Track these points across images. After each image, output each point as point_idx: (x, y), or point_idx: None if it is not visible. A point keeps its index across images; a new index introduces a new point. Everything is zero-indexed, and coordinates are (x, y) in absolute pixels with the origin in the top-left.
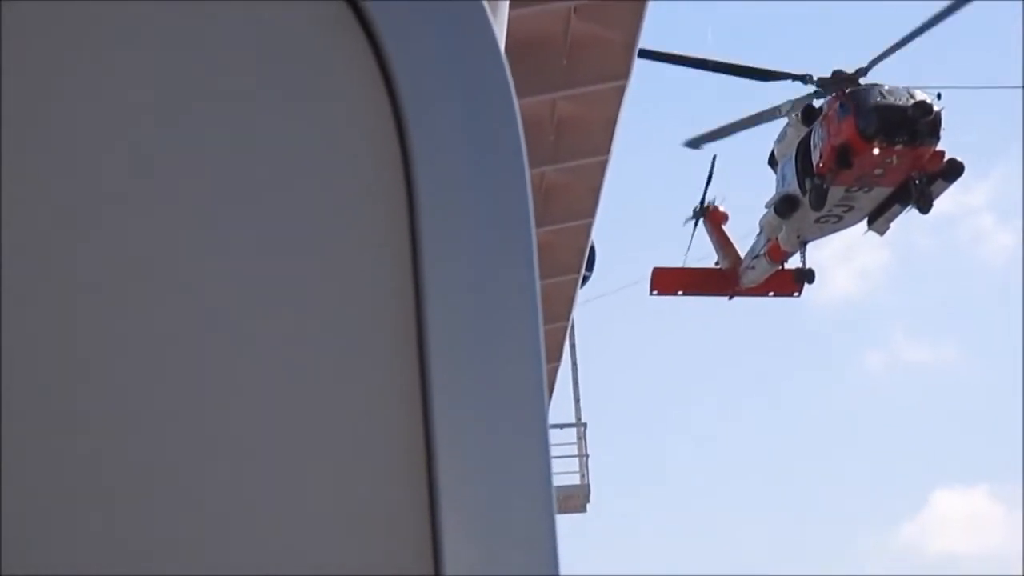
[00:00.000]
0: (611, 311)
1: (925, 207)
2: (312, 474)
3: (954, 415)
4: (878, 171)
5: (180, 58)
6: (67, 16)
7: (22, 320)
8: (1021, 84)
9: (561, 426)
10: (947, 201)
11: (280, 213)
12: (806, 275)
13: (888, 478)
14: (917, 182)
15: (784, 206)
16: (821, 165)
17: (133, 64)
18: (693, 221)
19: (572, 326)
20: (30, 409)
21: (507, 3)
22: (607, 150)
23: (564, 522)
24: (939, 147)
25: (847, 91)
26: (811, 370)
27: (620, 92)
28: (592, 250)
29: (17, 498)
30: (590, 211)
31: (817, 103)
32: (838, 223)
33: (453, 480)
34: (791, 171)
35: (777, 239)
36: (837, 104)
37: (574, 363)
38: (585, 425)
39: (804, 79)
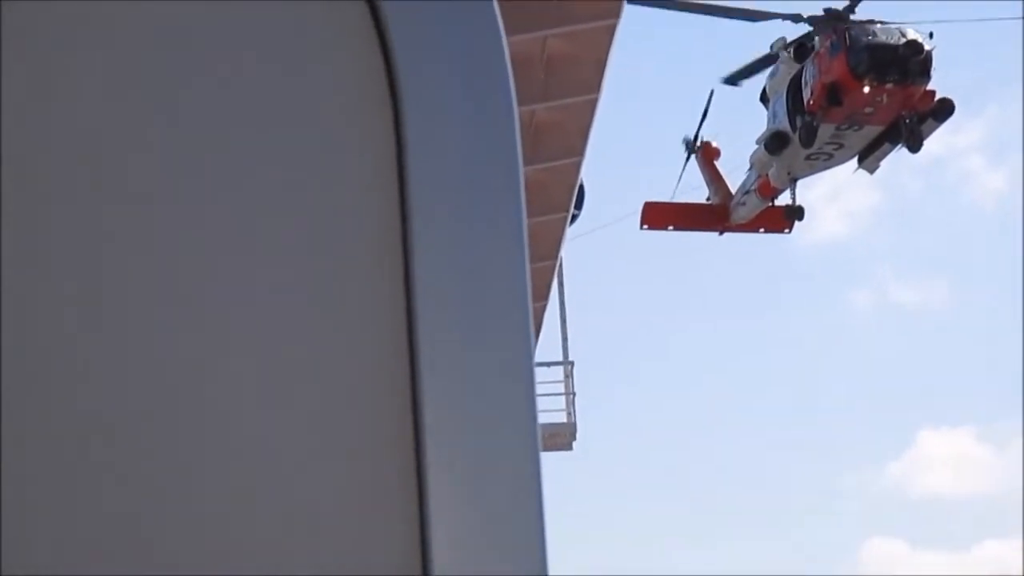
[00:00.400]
0: (599, 249)
1: (915, 146)
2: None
3: (941, 356)
4: (868, 109)
5: (185, 56)
6: (67, 15)
7: (21, 318)
8: (1021, 16)
9: (548, 364)
10: (937, 142)
11: (269, 182)
12: (796, 212)
13: (874, 418)
14: (907, 121)
15: (774, 143)
16: (812, 103)
17: (135, 62)
18: (685, 156)
19: (560, 265)
20: (29, 408)
21: None
22: (597, 89)
23: (550, 460)
24: (930, 86)
25: (839, 29)
26: (799, 309)
27: (611, 31)
28: (581, 189)
29: (17, 498)
30: (580, 150)
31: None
32: (828, 160)
33: (436, 412)
34: (782, 108)
35: (767, 176)
36: (829, 42)
37: (562, 302)
38: (572, 363)
39: (794, 18)
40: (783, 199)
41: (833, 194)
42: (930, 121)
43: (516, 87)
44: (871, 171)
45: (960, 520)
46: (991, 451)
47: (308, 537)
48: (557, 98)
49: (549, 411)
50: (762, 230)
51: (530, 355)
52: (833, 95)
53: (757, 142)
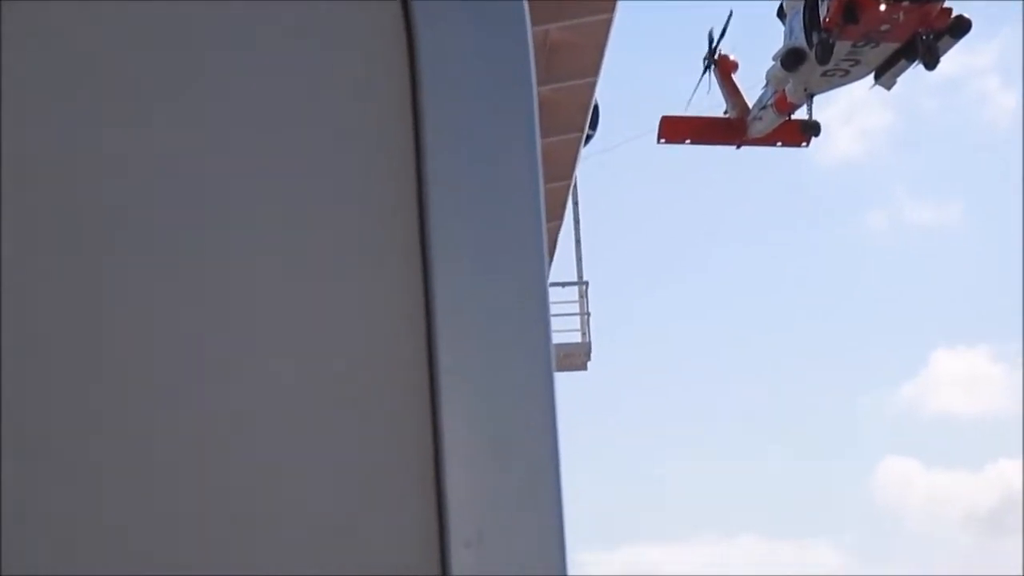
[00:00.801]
0: (615, 168)
1: (931, 63)
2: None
3: (956, 276)
4: (885, 27)
5: (211, 55)
6: (76, 15)
7: (24, 316)
8: None
9: (563, 284)
10: (952, 63)
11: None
12: (812, 127)
13: (889, 338)
14: (924, 38)
15: (791, 59)
16: (828, 20)
17: (160, 61)
18: (704, 71)
19: (575, 185)
20: (30, 408)
21: None
22: (612, 8)
23: (565, 380)
24: (946, 4)
25: None
26: (814, 229)
27: None
28: (596, 109)
29: (17, 498)
30: (594, 69)
31: None
32: (845, 77)
33: (451, 333)
34: (799, 24)
35: (784, 91)
36: None
37: (576, 222)
38: (587, 283)
39: None
40: (800, 114)
41: (848, 114)
42: (946, 38)
43: (530, 6)
44: (887, 87)
45: (974, 439)
46: (1006, 371)
47: (324, 532)
48: (571, 17)
49: (564, 331)
50: (779, 144)
51: (543, 276)
52: (850, 13)
53: (773, 58)
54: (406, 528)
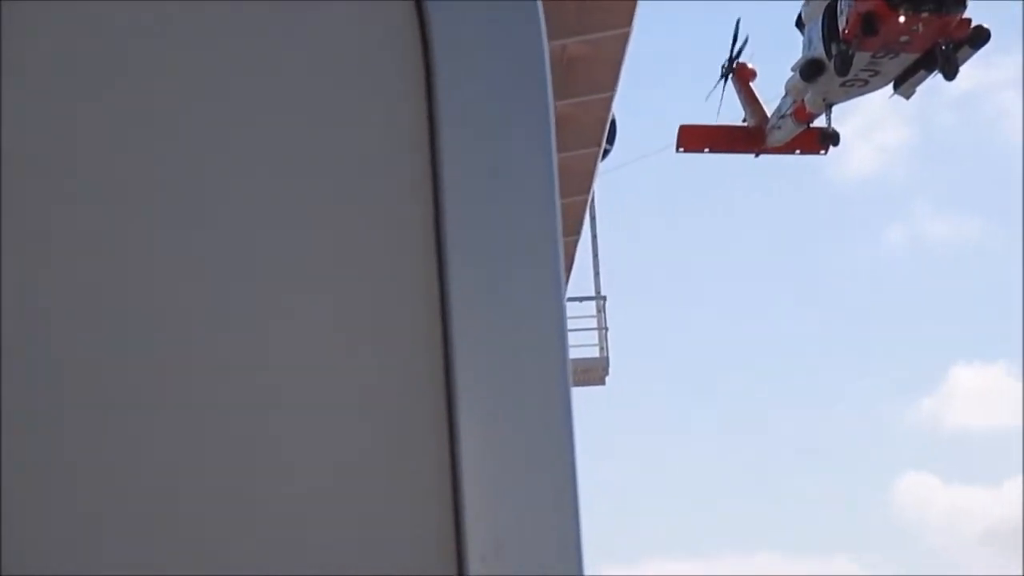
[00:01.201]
0: (633, 183)
1: (951, 73)
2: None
3: (975, 291)
4: (904, 38)
5: (228, 55)
6: (76, 15)
7: (27, 314)
8: None
9: (580, 299)
10: (968, 78)
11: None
12: (832, 136)
13: (907, 353)
14: (943, 48)
15: (810, 70)
16: (847, 31)
17: (170, 61)
18: (722, 79)
19: (593, 199)
20: (31, 407)
21: None
22: (629, 22)
23: (583, 395)
24: (966, 15)
25: None
26: (833, 243)
27: None
28: (613, 123)
29: (17, 498)
30: (611, 84)
31: None
32: (864, 87)
33: (468, 348)
34: (817, 35)
35: (803, 101)
36: None
37: (594, 236)
38: (605, 298)
39: None
40: (819, 123)
41: (866, 129)
42: (965, 48)
43: (548, 20)
44: (907, 97)
45: (993, 455)
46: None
47: (343, 540)
48: (589, 32)
49: (582, 346)
50: (798, 152)
51: (560, 291)
52: (868, 25)
53: (793, 69)
54: (424, 539)
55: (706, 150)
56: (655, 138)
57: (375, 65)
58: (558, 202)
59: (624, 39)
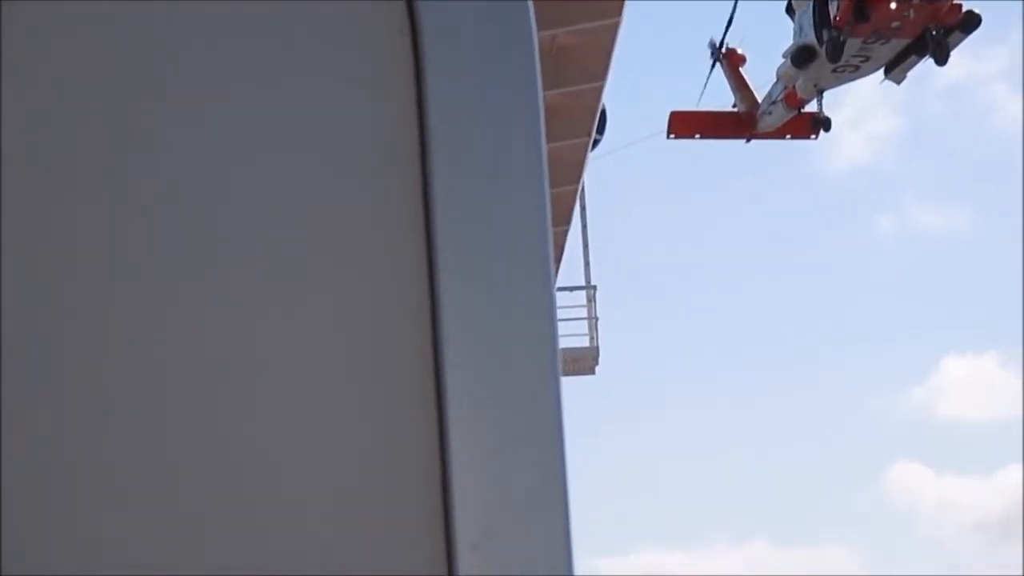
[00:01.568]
0: (623, 171)
1: (942, 59)
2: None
3: (965, 282)
4: (895, 24)
5: (216, 55)
6: (76, 15)
7: (25, 316)
8: None
9: (571, 288)
10: (959, 69)
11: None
12: (823, 122)
13: (898, 344)
14: (934, 34)
15: (801, 56)
16: (838, 18)
17: (159, 61)
18: (710, 63)
19: (583, 189)
20: (31, 407)
21: None
22: (619, 12)
23: (573, 384)
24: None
25: None
26: (823, 233)
27: None
28: (603, 113)
29: (17, 498)
30: (602, 74)
31: None
32: (855, 72)
33: (457, 337)
34: (808, 22)
35: (794, 87)
36: None
37: (584, 226)
38: (595, 288)
39: None
40: (810, 108)
41: (856, 119)
42: (956, 33)
43: (537, 10)
44: (897, 82)
45: (984, 445)
46: (1015, 376)
47: (331, 534)
48: (579, 21)
49: (572, 335)
50: (789, 136)
51: (549, 280)
52: (860, 11)
53: (784, 55)
54: (413, 529)
55: (697, 136)
56: (645, 125)
57: (364, 60)
58: (548, 192)
59: (614, 29)
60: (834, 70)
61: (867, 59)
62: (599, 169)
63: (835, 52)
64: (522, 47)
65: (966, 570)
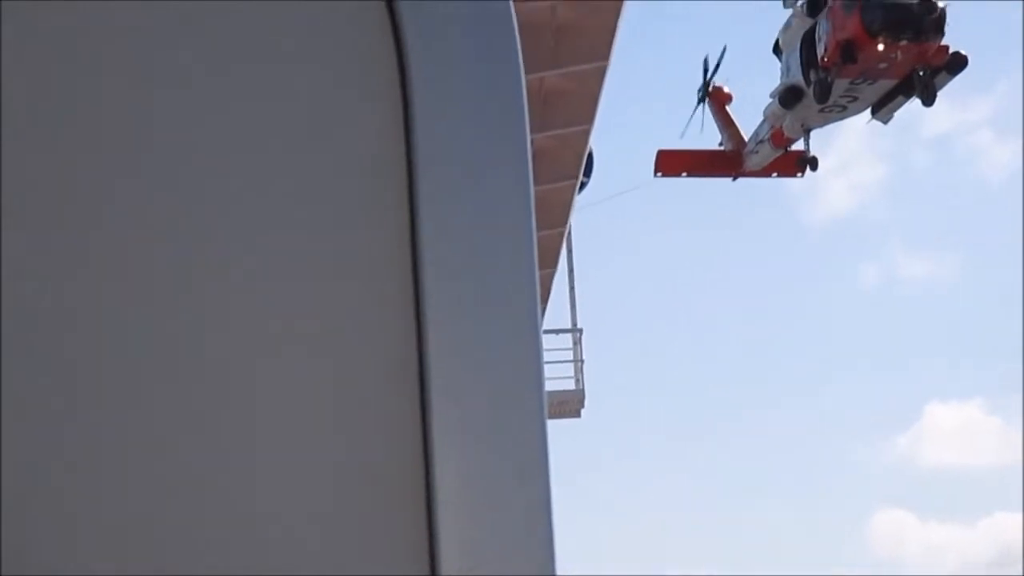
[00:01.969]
0: (610, 217)
1: (929, 100)
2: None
3: (950, 330)
4: (882, 65)
5: (197, 57)
6: (76, 15)
7: (25, 316)
8: None
9: (557, 331)
10: (945, 119)
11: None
12: (809, 161)
13: (883, 391)
14: (921, 74)
15: (788, 97)
16: (826, 59)
17: (150, 62)
18: (698, 104)
19: (569, 232)
20: (30, 408)
21: None
22: (607, 56)
23: (558, 427)
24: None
25: None
26: (807, 282)
27: None
28: (590, 156)
29: (17, 498)
30: (589, 117)
31: None
32: (842, 112)
33: (444, 379)
34: (796, 62)
35: (781, 126)
36: None
37: (570, 269)
38: (581, 331)
39: None
40: (796, 147)
41: (842, 168)
42: (943, 74)
43: (525, 53)
44: (884, 122)
45: (968, 492)
46: (999, 424)
47: (316, 537)
48: (567, 65)
49: (558, 378)
50: (775, 175)
51: (536, 322)
52: (847, 52)
53: (771, 95)
54: (399, 569)
55: (684, 174)
56: (631, 165)
57: (352, 110)
58: (534, 234)
59: (602, 72)
60: (821, 110)
61: (854, 99)
62: (587, 213)
63: (823, 93)
64: (510, 91)
65: None
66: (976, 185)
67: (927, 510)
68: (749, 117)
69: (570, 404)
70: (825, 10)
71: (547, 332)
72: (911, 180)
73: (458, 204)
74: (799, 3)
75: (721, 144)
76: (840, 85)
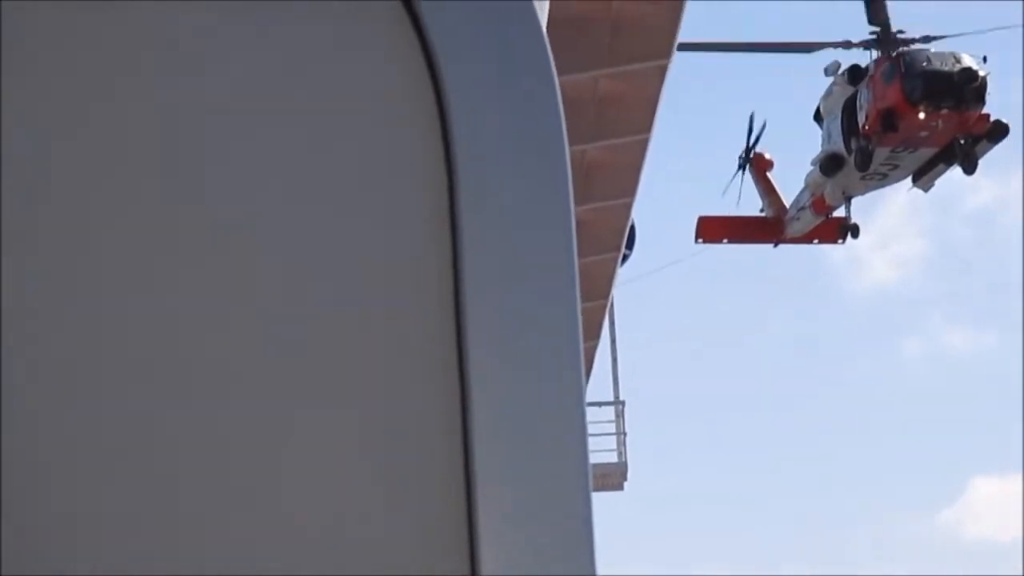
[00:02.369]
0: (652, 289)
1: (970, 168)
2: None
3: (993, 403)
4: (923, 134)
5: (216, 58)
6: (77, 15)
7: (32, 317)
8: None
9: (599, 404)
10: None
11: (314, 199)
12: (851, 228)
13: (926, 465)
14: (962, 143)
15: (829, 165)
16: (867, 127)
17: (165, 64)
18: (739, 170)
19: (612, 304)
20: (30, 408)
21: None
22: (648, 128)
23: (601, 500)
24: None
25: (893, 54)
26: (851, 356)
27: (662, 71)
28: (632, 228)
29: (17, 498)
30: (631, 190)
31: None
32: (883, 180)
33: (489, 453)
34: (837, 130)
35: (822, 194)
36: (883, 67)
37: (613, 341)
38: (623, 403)
39: (845, 45)
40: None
41: (883, 243)
42: (984, 142)
43: (568, 127)
44: (925, 189)
45: (1013, 567)
46: None
47: (358, 537)
48: (608, 138)
49: (600, 451)
50: (816, 241)
51: (581, 395)
52: (888, 121)
53: (812, 163)
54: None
55: (725, 241)
56: (673, 235)
57: (390, 121)
58: (579, 307)
59: (644, 144)
60: (862, 178)
61: (895, 167)
62: (629, 287)
63: (864, 161)
64: (555, 163)
65: None
66: (1018, 258)
67: None
68: (790, 184)
69: (613, 477)
70: (866, 78)
71: (590, 405)
72: (951, 254)
73: (504, 291)
74: (840, 71)
75: (762, 210)
76: (881, 153)
